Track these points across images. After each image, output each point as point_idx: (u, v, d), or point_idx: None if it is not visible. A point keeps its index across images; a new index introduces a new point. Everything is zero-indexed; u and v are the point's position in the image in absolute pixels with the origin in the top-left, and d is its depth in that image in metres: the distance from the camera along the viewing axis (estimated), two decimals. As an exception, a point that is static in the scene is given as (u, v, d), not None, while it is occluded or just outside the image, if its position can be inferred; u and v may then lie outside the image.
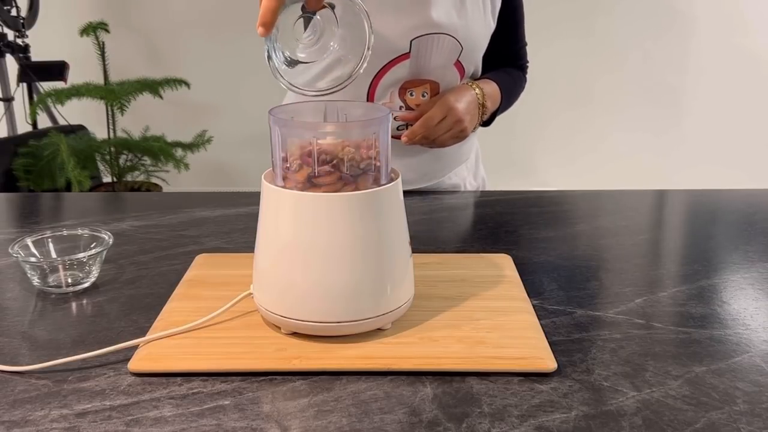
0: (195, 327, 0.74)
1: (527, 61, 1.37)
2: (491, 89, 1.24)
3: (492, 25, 1.23)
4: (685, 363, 0.70)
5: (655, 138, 3.53)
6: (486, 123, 1.30)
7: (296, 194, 0.69)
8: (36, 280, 0.85)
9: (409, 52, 1.14)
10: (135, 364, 0.69)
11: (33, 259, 0.86)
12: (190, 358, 0.69)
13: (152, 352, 0.70)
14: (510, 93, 1.30)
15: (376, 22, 1.14)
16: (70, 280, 0.85)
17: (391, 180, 0.73)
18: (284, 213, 0.71)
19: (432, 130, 1.16)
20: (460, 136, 1.20)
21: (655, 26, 3.38)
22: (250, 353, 0.70)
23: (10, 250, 0.85)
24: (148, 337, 0.73)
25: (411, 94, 1.20)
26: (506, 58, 1.32)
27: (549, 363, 0.69)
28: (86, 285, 0.86)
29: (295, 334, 0.73)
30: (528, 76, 1.38)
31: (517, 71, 1.35)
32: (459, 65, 1.20)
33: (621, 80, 3.45)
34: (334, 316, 0.71)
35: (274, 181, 0.72)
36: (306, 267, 0.70)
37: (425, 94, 1.20)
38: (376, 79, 1.17)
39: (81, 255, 0.85)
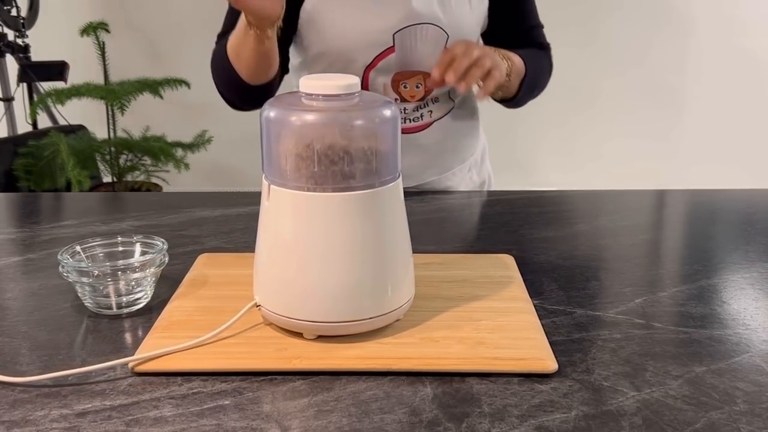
0: (196, 344, 0.73)
1: (547, 43, 1.31)
2: (511, 53, 1.16)
3: (482, 8, 1.19)
4: (685, 363, 0.70)
5: (655, 138, 3.53)
6: (514, 98, 1.21)
7: (296, 194, 0.69)
8: (88, 301, 0.81)
9: (393, 45, 1.14)
10: (137, 363, 0.69)
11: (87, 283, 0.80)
12: (191, 358, 0.69)
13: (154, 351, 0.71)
14: (533, 64, 1.21)
15: (357, 17, 1.14)
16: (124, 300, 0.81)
17: (392, 179, 0.73)
18: (284, 213, 0.71)
19: (457, 60, 1.04)
20: (497, 65, 1.07)
21: (654, 28, 3.37)
22: (251, 353, 0.70)
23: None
24: (147, 354, 0.73)
25: (405, 86, 1.19)
26: (517, 40, 1.24)
27: (549, 364, 0.68)
28: (142, 305, 0.82)
29: (295, 334, 0.73)
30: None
31: (535, 50, 1.27)
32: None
33: (621, 81, 3.45)
34: (334, 316, 0.71)
35: (275, 180, 0.72)
36: (306, 267, 0.70)
37: (419, 85, 1.19)
38: (365, 76, 1.17)
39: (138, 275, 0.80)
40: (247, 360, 0.69)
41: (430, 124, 1.23)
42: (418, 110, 1.22)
